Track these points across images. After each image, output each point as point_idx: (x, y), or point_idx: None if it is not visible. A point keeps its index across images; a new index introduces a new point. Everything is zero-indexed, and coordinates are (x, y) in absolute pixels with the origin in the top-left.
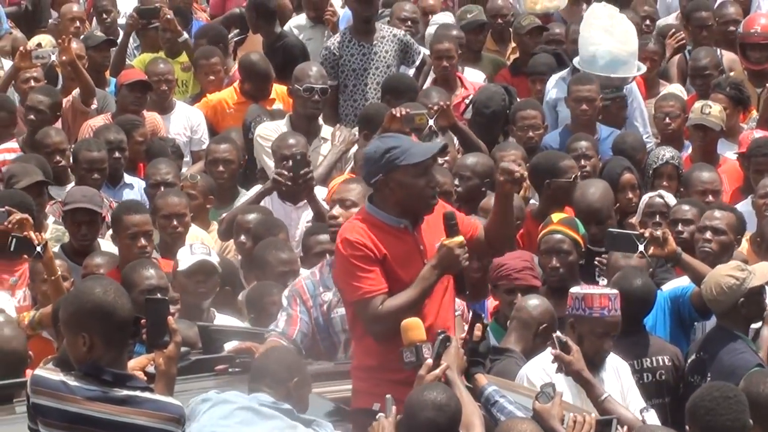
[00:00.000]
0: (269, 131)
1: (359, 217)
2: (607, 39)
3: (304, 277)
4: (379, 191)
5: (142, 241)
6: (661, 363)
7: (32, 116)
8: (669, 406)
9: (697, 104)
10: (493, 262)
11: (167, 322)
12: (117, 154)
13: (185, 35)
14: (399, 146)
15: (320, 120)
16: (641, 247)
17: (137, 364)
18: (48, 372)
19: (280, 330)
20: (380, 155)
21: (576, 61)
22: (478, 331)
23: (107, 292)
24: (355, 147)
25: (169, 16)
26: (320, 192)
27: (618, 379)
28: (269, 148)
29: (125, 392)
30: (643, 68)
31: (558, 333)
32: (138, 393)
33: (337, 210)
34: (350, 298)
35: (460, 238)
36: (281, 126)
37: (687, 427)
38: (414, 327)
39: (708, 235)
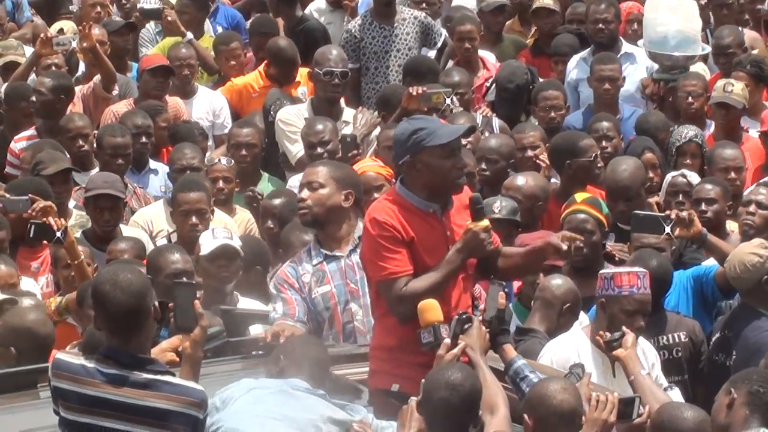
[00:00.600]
0: (290, 115)
1: (389, 198)
2: (675, 18)
3: (285, 265)
4: (408, 173)
5: (193, 219)
6: (677, 340)
7: (33, 98)
8: (689, 382)
9: (720, 82)
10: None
11: (194, 306)
12: (144, 140)
13: (189, 35)
14: (426, 128)
15: (342, 103)
16: (668, 229)
17: (169, 345)
18: (69, 356)
19: (281, 313)
20: (407, 137)
21: (642, 43)
22: (501, 299)
23: (105, 282)
24: (378, 129)
25: (170, 18)
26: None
27: (645, 359)
28: (290, 132)
29: (145, 376)
30: (708, 48)
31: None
32: (158, 377)
33: (305, 193)
34: (375, 277)
35: (485, 222)
36: (302, 110)
37: (731, 390)
38: (430, 308)
39: (752, 208)
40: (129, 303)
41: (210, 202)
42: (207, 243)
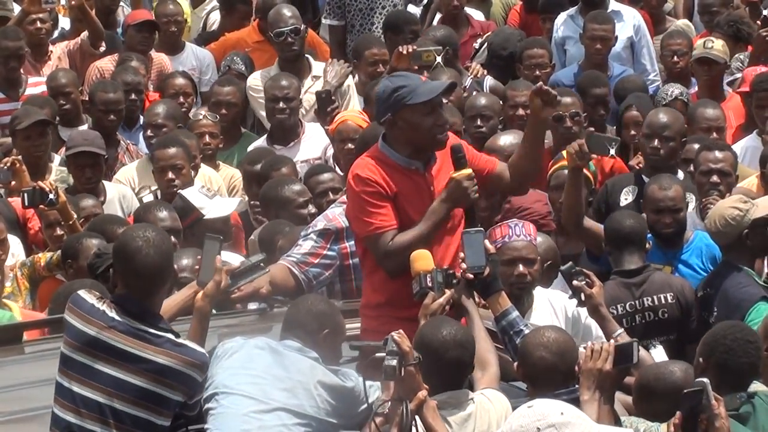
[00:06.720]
0: (258, 81)
1: (371, 155)
2: None
3: (340, 213)
4: (390, 131)
5: (170, 175)
6: (663, 301)
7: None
8: (675, 342)
9: (700, 40)
10: (513, 204)
11: (215, 261)
12: (134, 96)
13: None
14: (407, 85)
15: (310, 59)
16: (612, 151)
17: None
18: (87, 295)
19: (299, 257)
20: (388, 95)
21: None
22: (488, 245)
23: (136, 237)
24: (350, 79)
25: None
26: None
27: (552, 312)
28: (260, 99)
29: (148, 328)
30: None
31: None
32: (163, 333)
33: None
34: (361, 233)
35: (468, 171)
36: (270, 72)
37: (700, 360)
38: (420, 258)
39: (715, 178)
40: (159, 262)
41: (188, 158)
42: (206, 203)
